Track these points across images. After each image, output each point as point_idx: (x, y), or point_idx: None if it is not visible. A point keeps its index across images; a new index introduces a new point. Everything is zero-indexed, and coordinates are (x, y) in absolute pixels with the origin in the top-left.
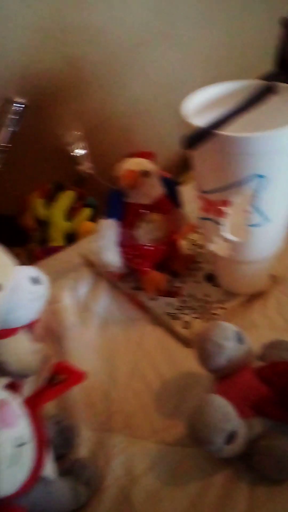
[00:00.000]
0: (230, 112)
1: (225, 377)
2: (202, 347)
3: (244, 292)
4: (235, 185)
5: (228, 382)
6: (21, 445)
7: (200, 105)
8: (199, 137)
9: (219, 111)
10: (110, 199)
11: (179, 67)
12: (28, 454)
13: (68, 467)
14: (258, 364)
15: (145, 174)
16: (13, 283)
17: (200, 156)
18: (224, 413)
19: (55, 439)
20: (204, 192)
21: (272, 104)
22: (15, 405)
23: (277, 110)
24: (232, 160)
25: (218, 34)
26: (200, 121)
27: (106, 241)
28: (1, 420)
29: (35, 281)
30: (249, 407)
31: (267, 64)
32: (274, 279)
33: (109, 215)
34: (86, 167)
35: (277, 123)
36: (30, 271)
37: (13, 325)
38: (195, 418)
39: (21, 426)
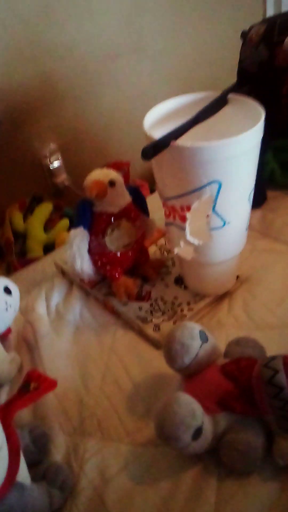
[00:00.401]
0: (186, 123)
1: (193, 376)
2: (168, 347)
3: (211, 293)
4: (194, 191)
5: (195, 380)
6: None
7: (161, 117)
8: (155, 147)
9: (178, 122)
10: (79, 209)
11: (150, 79)
12: (1, 461)
13: (42, 472)
14: (223, 361)
15: (112, 183)
16: None
17: (160, 165)
18: (190, 410)
19: (29, 446)
20: (166, 199)
21: (226, 114)
22: None
23: (230, 119)
24: (188, 168)
25: (186, 47)
26: (161, 132)
27: (76, 249)
28: None
29: (8, 291)
30: (214, 403)
31: (233, 75)
32: (240, 279)
33: (79, 224)
34: (62, 179)
35: (231, 132)
36: (2, 281)
37: None
38: (162, 416)
39: None
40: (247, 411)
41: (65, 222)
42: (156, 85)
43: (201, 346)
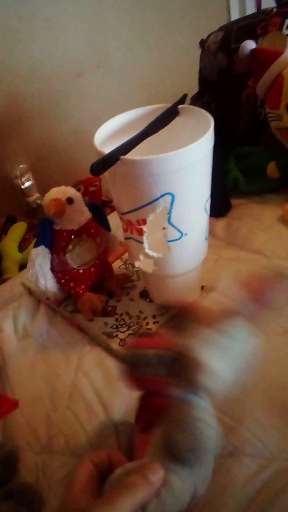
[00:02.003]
0: (135, 137)
1: None
2: None
3: (174, 304)
4: (147, 204)
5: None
6: None
7: (113, 132)
8: (104, 162)
9: (129, 137)
10: (39, 228)
11: (115, 93)
12: None
13: (9, 491)
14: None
15: (70, 201)
16: None
17: (113, 180)
18: None
19: None
20: (123, 213)
21: (178, 125)
22: None
23: (180, 130)
24: (140, 181)
25: (150, 58)
26: (112, 147)
27: (38, 268)
28: None
29: None
30: (143, 442)
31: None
32: (205, 289)
33: (39, 242)
34: (35, 197)
35: (181, 143)
36: None
37: None
38: None
39: None
40: (158, 404)
41: None
42: (122, 99)
43: None
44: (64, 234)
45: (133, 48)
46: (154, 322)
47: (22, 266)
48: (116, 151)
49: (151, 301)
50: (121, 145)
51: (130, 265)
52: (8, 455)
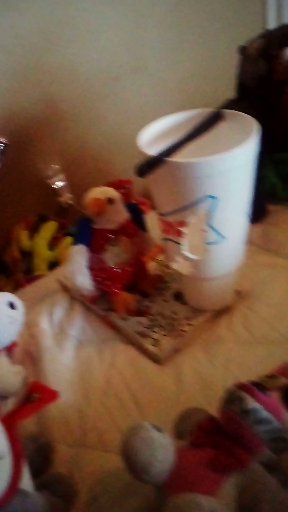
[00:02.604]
0: (180, 140)
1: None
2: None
3: (210, 308)
4: (189, 206)
5: (176, 476)
6: None
7: (156, 135)
8: (150, 165)
9: (173, 140)
10: (79, 226)
11: (151, 98)
12: (5, 468)
13: (45, 482)
14: (181, 443)
15: (110, 201)
16: None
17: (155, 182)
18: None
19: (32, 456)
20: (163, 214)
21: (222, 129)
22: None
23: (224, 135)
24: (183, 183)
25: (186, 64)
26: (156, 150)
27: (76, 265)
28: None
29: (12, 306)
30: (209, 480)
31: (232, 91)
32: (239, 294)
33: (79, 241)
34: (66, 198)
35: (225, 147)
36: (7, 297)
37: None
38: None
39: None
40: (243, 460)
41: (69, 240)
42: (157, 104)
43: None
44: (103, 233)
45: (169, 53)
46: (188, 325)
47: (52, 264)
48: (162, 154)
49: (185, 303)
50: (166, 147)
51: (164, 266)
52: (43, 446)
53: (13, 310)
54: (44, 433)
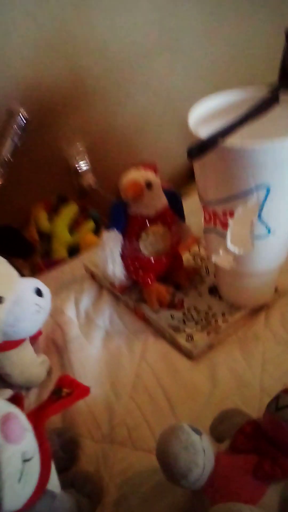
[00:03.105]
0: (234, 122)
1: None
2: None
3: (247, 304)
4: (240, 195)
5: (216, 482)
6: (28, 459)
7: (206, 114)
8: (203, 147)
9: (224, 121)
10: (113, 211)
11: (183, 79)
12: (34, 469)
13: (71, 480)
14: (221, 447)
15: (149, 185)
16: (17, 295)
17: (204, 166)
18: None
19: (58, 451)
20: (208, 203)
21: (275, 113)
22: (23, 419)
23: (279, 120)
24: (236, 170)
25: (221, 45)
26: (206, 130)
27: (109, 252)
28: (9, 434)
29: (39, 293)
30: (252, 486)
31: (272, 74)
32: (278, 292)
33: (112, 226)
34: (88, 180)
35: (280, 133)
36: (34, 283)
37: (17, 337)
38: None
39: (27, 440)
40: None
41: (90, 224)
42: (189, 86)
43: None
44: (139, 219)
45: (206, 32)
46: (223, 321)
47: (72, 249)
48: (216, 136)
49: (220, 297)
50: (219, 129)
51: (199, 258)
52: (69, 442)
53: (40, 297)
54: (70, 427)
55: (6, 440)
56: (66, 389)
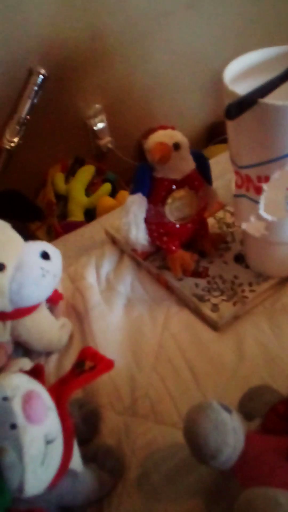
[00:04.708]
0: (273, 79)
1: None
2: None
3: (276, 274)
4: (277, 159)
5: (247, 464)
6: (51, 441)
7: (240, 72)
8: (241, 105)
9: (260, 79)
10: (138, 173)
11: (203, 38)
12: (57, 450)
13: (92, 454)
14: (252, 426)
15: (176, 147)
16: (20, 261)
17: (239, 127)
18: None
19: (79, 424)
20: (241, 167)
21: None
22: (45, 397)
23: None
24: (274, 131)
25: (245, 6)
26: (242, 89)
27: (132, 217)
28: (31, 414)
29: (46, 256)
30: (286, 471)
31: None
32: None
33: (137, 190)
34: (106, 141)
35: None
36: (40, 246)
37: (27, 304)
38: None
39: (50, 420)
40: None
41: (107, 186)
42: (210, 44)
43: (234, 424)
44: (166, 183)
45: None
46: (250, 291)
47: (87, 212)
48: (254, 93)
49: (247, 266)
50: (258, 86)
51: (224, 225)
52: (90, 413)
53: (46, 261)
54: (91, 398)
55: (28, 421)
56: (89, 362)
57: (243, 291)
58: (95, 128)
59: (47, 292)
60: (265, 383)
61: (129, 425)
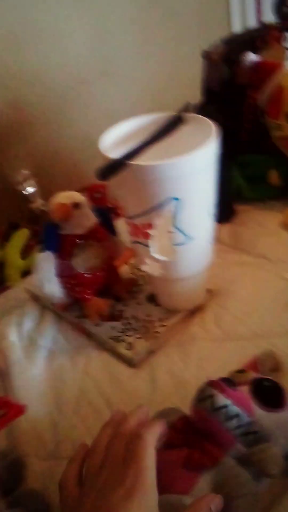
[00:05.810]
0: (142, 143)
1: None
2: None
3: (183, 308)
4: (154, 209)
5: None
6: None
7: (118, 138)
8: (112, 168)
9: (135, 143)
10: (45, 233)
11: (119, 102)
12: None
13: (17, 498)
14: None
15: (76, 206)
16: None
17: (119, 185)
18: None
19: (2, 474)
20: (129, 217)
21: (184, 132)
22: None
23: (185, 138)
24: (146, 186)
25: (153, 68)
26: (118, 153)
27: (45, 273)
28: None
29: None
30: (184, 478)
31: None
32: (211, 293)
33: (45, 248)
34: (38, 204)
35: (186, 150)
36: None
37: None
38: None
39: None
40: (216, 456)
41: None
42: (125, 107)
43: None
44: (70, 238)
45: (137, 57)
46: (161, 326)
47: (26, 274)
48: (124, 157)
49: (158, 304)
50: (127, 151)
51: (137, 269)
52: (14, 463)
53: None
54: (15, 448)
55: None
56: (1, 410)
57: (155, 327)
58: (25, 193)
59: None
60: (175, 406)
61: (53, 468)
